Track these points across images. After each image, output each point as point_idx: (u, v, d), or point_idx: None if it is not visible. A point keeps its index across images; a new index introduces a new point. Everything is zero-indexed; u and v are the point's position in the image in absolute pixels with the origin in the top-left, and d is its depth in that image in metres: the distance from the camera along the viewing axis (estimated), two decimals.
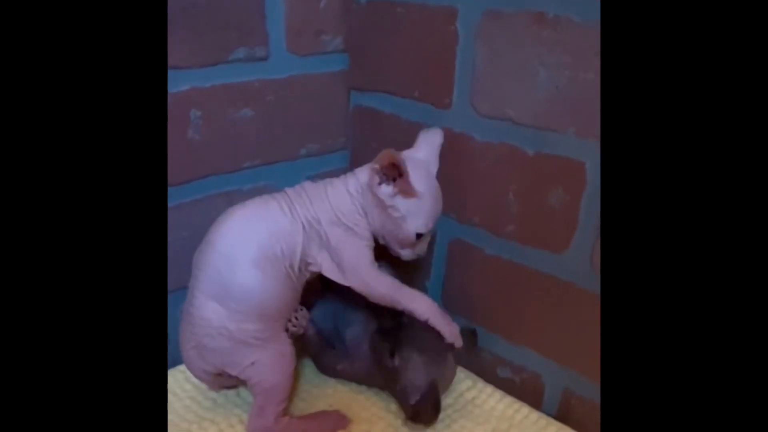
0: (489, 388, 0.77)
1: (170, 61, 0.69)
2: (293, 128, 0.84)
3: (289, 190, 0.69)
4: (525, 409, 0.73)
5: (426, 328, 0.67)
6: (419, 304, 0.68)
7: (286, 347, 0.68)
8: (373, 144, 0.86)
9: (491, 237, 0.74)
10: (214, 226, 0.67)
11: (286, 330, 0.70)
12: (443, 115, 0.75)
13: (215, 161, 0.78)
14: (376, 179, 0.65)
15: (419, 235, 0.68)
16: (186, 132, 0.74)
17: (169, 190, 0.74)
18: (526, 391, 0.76)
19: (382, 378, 0.72)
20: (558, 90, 0.63)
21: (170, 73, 0.70)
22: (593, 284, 0.65)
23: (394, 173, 0.65)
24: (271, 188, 0.79)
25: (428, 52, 0.75)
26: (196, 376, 0.70)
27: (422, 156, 0.70)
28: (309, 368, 0.80)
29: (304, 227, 0.66)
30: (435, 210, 0.68)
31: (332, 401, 0.75)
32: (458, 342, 0.68)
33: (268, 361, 0.66)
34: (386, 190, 0.66)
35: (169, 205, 0.75)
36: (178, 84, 0.71)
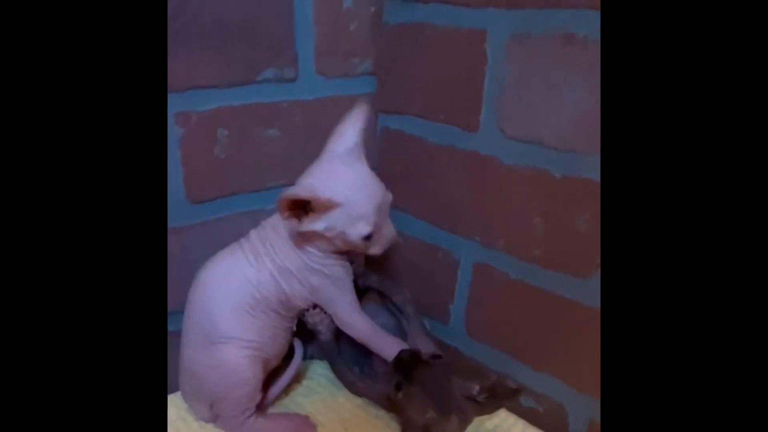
0: (512, 418, 0.75)
1: (199, 80, 0.70)
2: (320, 149, 0.84)
3: (254, 237, 0.70)
4: None
5: (443, 374, 0.66)
6: (388, 350, 0.70)
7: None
8: (399, 166, 0.86)
9: (516, 261, 0.73)
10: (192, 285, 0.70)
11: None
12: (470, 137, 0.74)
13: (241, 180, 0.78)
14: (294, 222, 0.63)
15: (369, 236, 0.64)
16: (212, 150, 0.74)
17: (194, 207, 0.75)
18: (549, 421, 0.74)
19: (388, 405, 0.72)
20: (585, 112, 0.62)
21: (198, 92, 0.71)
22: None
23: (300, 207, 0.63)
24: None
25: (456, 75, 0.74)
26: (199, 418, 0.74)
27: (344, 148, 0.66)
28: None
29: (273, 275, 0.68)
30: (367, 207, 0.63)
31: (342, 413, 0.75)
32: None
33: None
34: (309, 222, 0.63)
35: (194, 222, 0.75)
36: (206, 103, 0.72)
